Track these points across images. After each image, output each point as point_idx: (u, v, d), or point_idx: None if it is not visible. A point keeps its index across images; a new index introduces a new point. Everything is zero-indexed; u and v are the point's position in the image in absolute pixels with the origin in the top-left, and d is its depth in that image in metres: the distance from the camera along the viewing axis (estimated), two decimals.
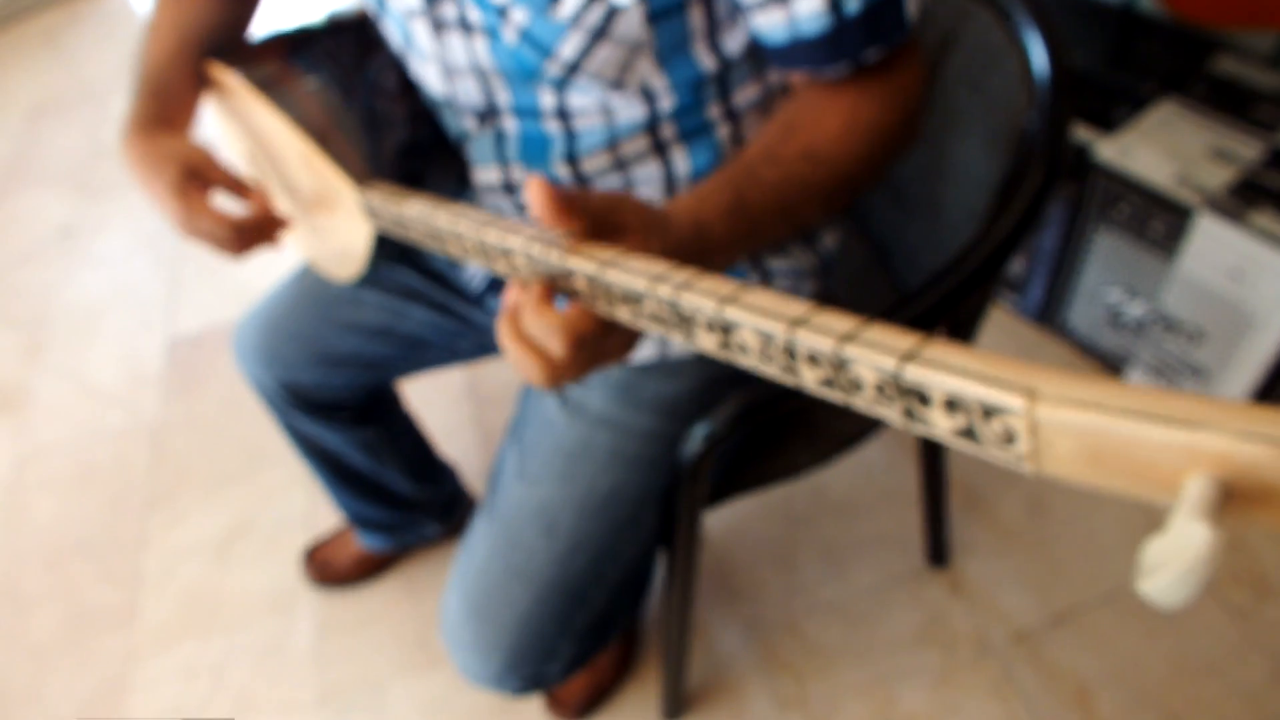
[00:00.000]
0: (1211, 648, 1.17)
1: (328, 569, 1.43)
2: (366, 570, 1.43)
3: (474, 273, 0.94)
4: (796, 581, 1.33)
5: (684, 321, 0.42)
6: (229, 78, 0.82)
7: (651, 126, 0.73)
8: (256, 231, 0.81)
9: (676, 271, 0.43)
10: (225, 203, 0.80)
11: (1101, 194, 1.30)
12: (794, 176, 0.61)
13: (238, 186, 0.81)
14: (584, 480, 0.82)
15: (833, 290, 0.89)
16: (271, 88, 0.78)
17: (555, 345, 0.48)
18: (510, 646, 0.81)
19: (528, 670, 0.83)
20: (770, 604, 1.31)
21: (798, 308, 0.37)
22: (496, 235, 0.53)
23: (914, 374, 0.31)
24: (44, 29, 3.35)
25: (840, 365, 0.34)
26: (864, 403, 0.35)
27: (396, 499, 1.30)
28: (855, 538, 1.36)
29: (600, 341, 0.49)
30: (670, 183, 0.77)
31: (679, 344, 0.82)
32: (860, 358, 0.33)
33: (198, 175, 0.78)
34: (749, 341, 0.38)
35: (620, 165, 0.75)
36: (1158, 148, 1.25)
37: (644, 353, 0.84)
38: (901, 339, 0.33)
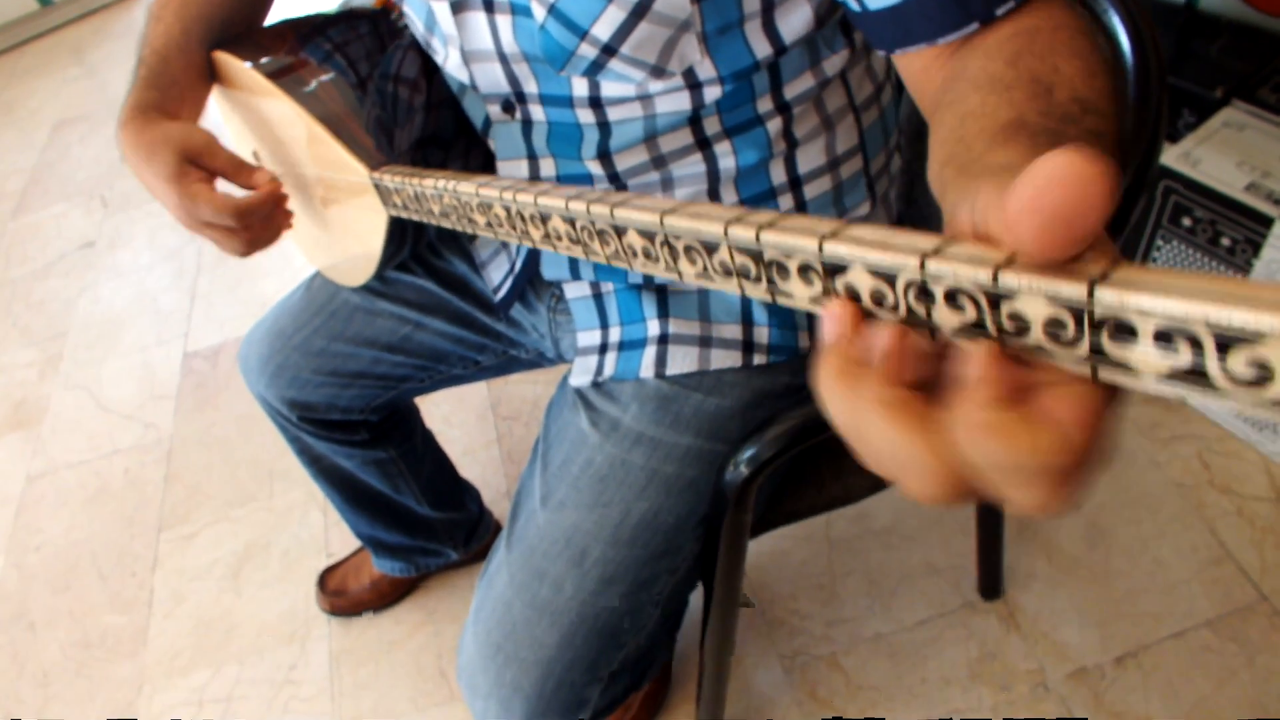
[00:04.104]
0: None
1: (343, 595, 1.37)
2: (384, 596, 1.37)
3: (497, 282, 0.87)
4: (840, 614, 1.25)
5: None
6: (237, 69, 0.76)
7: (695, 119, 0.66)
8: (265, 220, 0.75)
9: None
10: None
11: (1167, 203, 1.22)
12: (1093, 134, 0.43)
13: (241, 169, 0.75)
14: (617, 505, 0.75)
15: None
16: (282, 78, 0.72)
17: (1040, 489, 0.24)
18: (534, 693, 0.73)
19: None
20: (812, 638, 1.23)
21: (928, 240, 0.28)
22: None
23: (1109, 299, 0.23)
24: (71, 44, 3.36)
25: (997, 300, 0.27)
26: (1026, 346, 0.26)
27: (415, 523, 1.23)
28: (902, 567, 1.28)
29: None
30: (714, 182, 0.70)
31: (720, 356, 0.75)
32: (1031, 286, 0.25)
33: (197, 160, 0.73)
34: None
35: (659, 162, 0.69)
36: (1228, 154, 1.17)
37: (683, 364, 0.76)
38: (1090, 264, 0.24)
